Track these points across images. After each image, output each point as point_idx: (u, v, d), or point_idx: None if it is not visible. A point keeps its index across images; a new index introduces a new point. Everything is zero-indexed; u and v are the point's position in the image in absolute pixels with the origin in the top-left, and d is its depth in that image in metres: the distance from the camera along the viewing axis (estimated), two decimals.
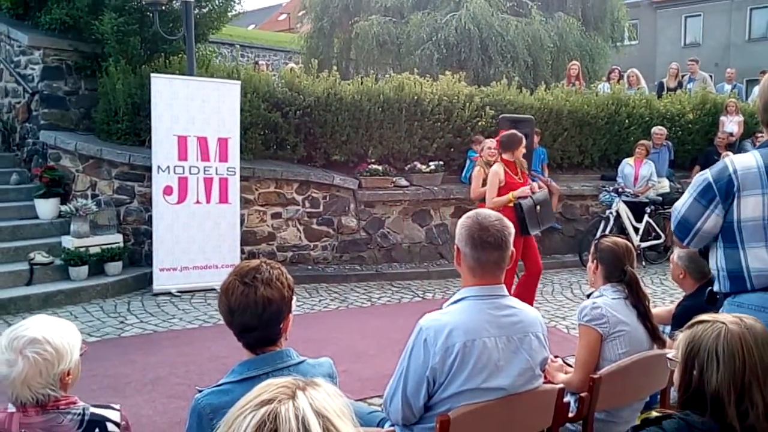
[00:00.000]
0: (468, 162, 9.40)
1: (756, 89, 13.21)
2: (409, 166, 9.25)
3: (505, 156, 6.49)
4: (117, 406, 2.29)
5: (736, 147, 11.05)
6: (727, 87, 13.06)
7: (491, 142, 7.22)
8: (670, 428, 1.78)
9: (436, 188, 9.14)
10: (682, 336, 1.89)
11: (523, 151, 6.56)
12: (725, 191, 2.42)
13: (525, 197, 6.32)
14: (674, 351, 1.90)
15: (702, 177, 2.51)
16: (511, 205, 6.24)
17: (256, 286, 2.06)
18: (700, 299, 3.02)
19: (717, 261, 2.52)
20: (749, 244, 2.42)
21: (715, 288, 2.59)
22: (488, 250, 2.39)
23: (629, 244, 3.21)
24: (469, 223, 2.44)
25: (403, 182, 9.10)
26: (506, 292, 2.51)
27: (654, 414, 1.85)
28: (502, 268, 2.45)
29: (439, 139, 9.38)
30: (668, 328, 3.32)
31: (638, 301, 3.04)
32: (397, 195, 8.93)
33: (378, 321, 6.55)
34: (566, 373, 3.15)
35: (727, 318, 1.85)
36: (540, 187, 6.78)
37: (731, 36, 28.20)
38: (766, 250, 2.39)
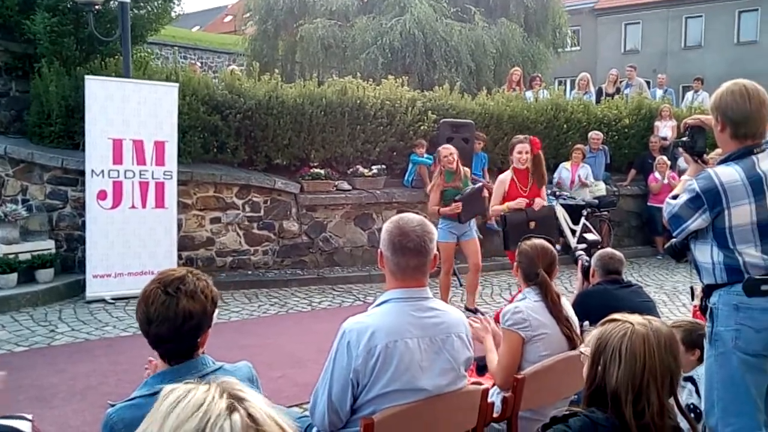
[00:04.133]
0: (410, 166, 9.45)
1: (690, 95, 13.80)
2: (351, 169, 9.25)
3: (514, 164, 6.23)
4: (29, 416, 2.22)
5: (669, 151, 11.41)
6: (660, 92, 13.48)
7: (447, 150, 6.86)
8: (575, 426, 1.82)
9: (378, 192, 9.16)
10: (594, 332, 1.94)
11: (518, 156, 6.20)
12: (713, 202, 2.75)
13: (518, 209, 5.99)
14: (585, 347, 1.96)
15: (691, 187, 2.82)
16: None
17: (179, 297, 2.02)
18: (597, 288, 3.96)
19: (712, 255, 2.80)
20: (740, 245, 2.75)
21: (706, 281, 2.87)
22: (408, 255, 2.41)
23: (546, 246, 3.27)
24: (391, 227, 2.46)
25: (346, 186, 9.08)
26: (430, 294, 2.53)
27: (562, 411, 1.89)
28: (424, 272, 2.47)
29: (381, 143, 9.41)
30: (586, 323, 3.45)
31: (548, 301, 3.10)
32: (339, 199, 8.91)
33: (318, 325, 6.51)
34: (493, 333, 3.25)
35: (636, 319, 1.91)
36: (528, 204, 6.14)
37: (668, 43, 29.13)
38: (755, 248, 2.73)
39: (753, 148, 2.75)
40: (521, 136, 6.50)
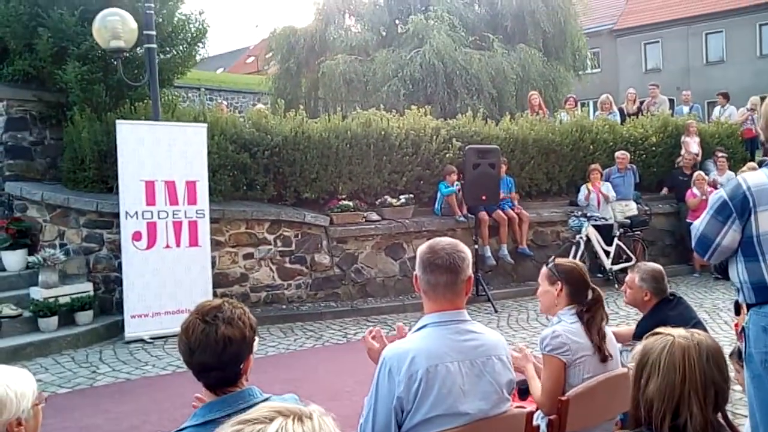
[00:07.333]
0: (439, 194, 9.47)
1: (717, 110, 13.66)
2: (379, 200, 9.30)
3: None
4: None
5: (697, 167, 11.29)
6: (686, 109, 13.38)
7: None
8: None
9: (407, 221, 9.19)
10: (637, 347, 1.92)
11: None
12: (741, 207, 2.59)
13: None
14: (632, 362, 1.93)
15: (717, 195, 2.69)
16: None
17: (217, 324, 2.03)
18: (660, 316, 3.33)
19: (739, 274, 2.67)
20: None
21: (740, 299, 2.74)
22: (437, 272, 2.42)
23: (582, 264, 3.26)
24: (423, 248, 2.50)
25: (375, 217, 9.12)
26: (467, 317, 2.52)
27: None
28: (457, 292, 2.44)
29: (408, 173, 9.46)
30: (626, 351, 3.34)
31: (593, 322, 3.05)
32: (369, 230, 8.95)
33: (355, 357, 6.44)
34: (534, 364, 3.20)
35: (678, 331, 1.88)
36: None
37: (690, 60, 28.95)
38: None
39: None
40: None
